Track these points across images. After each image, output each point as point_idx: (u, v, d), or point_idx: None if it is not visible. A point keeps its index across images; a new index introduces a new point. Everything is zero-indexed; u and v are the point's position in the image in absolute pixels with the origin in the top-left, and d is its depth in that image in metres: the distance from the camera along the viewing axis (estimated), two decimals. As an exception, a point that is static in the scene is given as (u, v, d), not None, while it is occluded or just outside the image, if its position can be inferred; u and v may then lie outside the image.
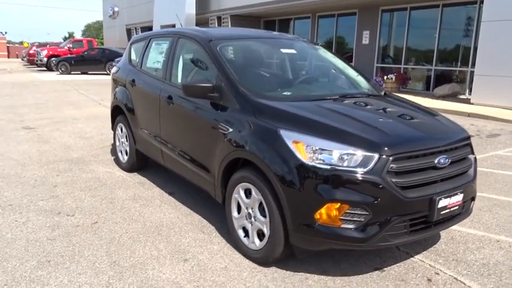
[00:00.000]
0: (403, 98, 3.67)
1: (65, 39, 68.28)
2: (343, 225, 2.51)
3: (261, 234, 2.91)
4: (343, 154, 2.51)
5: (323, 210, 2.51)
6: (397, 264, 2.99)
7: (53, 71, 23.79)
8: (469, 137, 2.98)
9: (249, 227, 2.99)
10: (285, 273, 2.85)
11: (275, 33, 4.53)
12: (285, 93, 3.39)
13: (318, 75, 3.92)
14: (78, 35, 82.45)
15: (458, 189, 2.73)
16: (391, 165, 2.49)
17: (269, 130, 2.78)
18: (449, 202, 2.67)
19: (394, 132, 2.69)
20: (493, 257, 3.13)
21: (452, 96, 12.48)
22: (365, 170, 2.47)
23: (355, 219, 2.50)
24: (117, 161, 5.34)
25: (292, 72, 3.84)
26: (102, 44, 36.80)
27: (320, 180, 2.50)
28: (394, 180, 2.49)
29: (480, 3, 12.12)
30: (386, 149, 2.51)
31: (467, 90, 12.77)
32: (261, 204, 2.84)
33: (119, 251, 3.13)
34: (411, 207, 2.53)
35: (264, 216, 2.82)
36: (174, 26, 24.31)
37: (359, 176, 2.47)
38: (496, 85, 10.16)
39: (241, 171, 2.99)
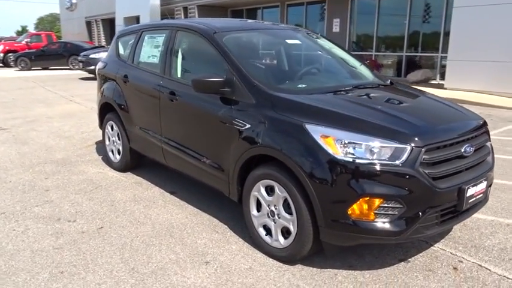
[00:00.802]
0: (411, 86, 3.66)
1: (18, 33, 65.03)
2: (377, 219, 2.47)
3: (285, 232, 2.83)
4: (375, 147, 2.46)
5: (356, 205, 2.46)
6: (420, 254, 3.00)
7: (11, 67, 22.63)
8: (486, 124, 3.00)
9: (271, 225, 2.91)
10: (313, 271, 2.79)
11: (274, 23, 4.40)
12: (299, 85, 3.31)
13: (326, 66, 3.85)
14: (30, 29, 78.72)
15: (482, 177, 2.74)
16: (424, 157, 2.46)
17: (293, 125, 2.69)
18: (475, 190, 2.68)
19: (421, 123, 2.66)
20: (508, 241, 3.19)
21: (425, 82, 12.77)
22: (398, 162, 2.43)
23: (389, 212, 2.46)
24: (107, 160, 5.10)
25: (302, 64, 3.76)
26: (60, 38, 35.29)
27: (353, 175, 2.44)
28: (426, 171, 2.46)
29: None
30: (418, 140, 2.48)
31: (438, 76, 13.11)
32: (285, 201, 2.76)
33: (134, 256, 2.98)
34: (443, 198, 2.52)
35: (290, 214, 2.74)
36: (138, 18, 23.72)
37: (392, 169, 2.43)
38: (469, 70, 10.45)
39: (261, 168, 2.89)
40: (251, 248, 3.08)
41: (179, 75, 3.76)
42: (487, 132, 3.00)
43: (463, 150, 2.65)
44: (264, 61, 3.57)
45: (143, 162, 4.83)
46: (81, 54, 15.81)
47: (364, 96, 3.14)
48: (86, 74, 16.09)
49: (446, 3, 12.55)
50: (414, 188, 2.43)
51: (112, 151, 4.88)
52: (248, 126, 2.94)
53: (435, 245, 3.13)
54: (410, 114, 2.79)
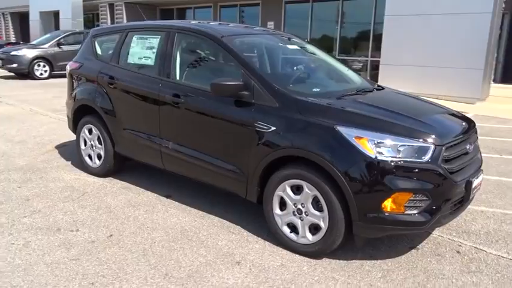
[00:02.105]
0: (398, 90, 4.01)
1: None
2: (406, 212, 2.73)
3: (312, 228, 2.98)
4: (405, 146, 2.71)
5: (390, 200, 2.69)
6: (425, 242, 3.33)
7: None
8: (475, 125, 3.42)
9: (297, 222, 3.04)
10: (340, 263, 2.98)
11: (268, 29, 4.51)
12: (314, 89, 3.47)
13: (326, 71, 4.05)
14: None
15: (480, 171, 3.13)
16: (444, 154, 2.77)
17: (324, 127, 2.85)
18: (477, 182, 3.06)
19: (436, 124, 2.98)
20: (488, 226, 3.65)
21: (357, 84, 13.62)
22: (425, 159, 2.71)
23: (417, 205, 2.73)
24: (82, 166, 4.84)
25: (305, 69, 3.92)
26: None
27: (386, 172, 2.67)
28: (446, 167, 2.77)
29: (376, -1, 13.39)
30: (439, 139, 2.78)
31: (368, 78, 14.07)
32: (314, 199, 2.91)
33: (162, 262, 2.94)
34: (458, 190, 2.85)
35: (320, 211, 2.90)
36: (57, 13, 22.23)
37: (420, 166, 2.70)
38: (398, 73, 11.40)
39: (289, 169, 3.01)
40: (274, 246, 3.19)
41: (183, 78, 3.73)
42: (476, 132, 3.42)
43: (467, 147, 3.01)
44: (274, 66, 3.67)
45: (124, 166, 4.67)
46: (0, 50, 14.52)
47: (375, 99, 3.40)
48: (5, 73, 14.78)
49: (374, 11, 13.52)
50: (438, 182, 2.73)
51: (90, 156, 4.65)
52: (273, 128, 3.04)
53: (433, 233, 3.48)
54: (423, 116, 3.10)
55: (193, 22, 4.05)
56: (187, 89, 3.60)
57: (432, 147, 2.74)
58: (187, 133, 3.63)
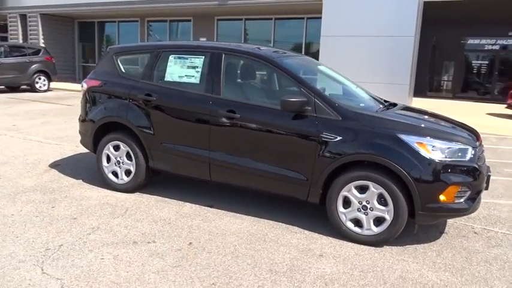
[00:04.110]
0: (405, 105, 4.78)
1: None
2: (456, 201, 3.44)
3: (376, 221, 3.56)
4: (453, 149, 3.44)
5: (445, 192, 3.38)
6: (447, 227, 4.08)
7: None
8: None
9: (362, 217, 3.59)
10: (399, 248, 3.59)
11: (286, 51, 4.99)
12: (360, 104, 4.06)
13: (352, 89, 4.66)
14: None
15: (488, 168, 3.99)
16: (477, 154, 3.55)
17: (386, 135, 3.46)
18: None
19: (465, 131, 3.77)
20: (482, 212, 4.54)
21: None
22: (467, 159, 3.46)
23: (462, 195, 3.46)
24: (99, 183, 4.84)
25: (337, 87, 4.48)
26: None
27: (443, 170, 3.36)
28: (478, 164, 3.55)
29: (307, 18, 14.58)
30: (473, 143, 3.56)
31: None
32: (379, 195, 3.49)
33: (257, 260, 3.26)
34: (484, 182, 3.65)
35: (384, 205, 3.48)
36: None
37: (464, 164, 3.44)
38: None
39: (353, 172, 3.55)
40: (337, 240, 3.68)
41: (237, 95, 4.08)
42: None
43: (482, 149, 3.84)
44: (321, 84, 4.18)
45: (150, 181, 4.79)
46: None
47: (408, 112, 4.11)
48: None
49: (305, 31, 14.70)
50: (475, 176, 3.48)
51: (115, 172, 4.70)
52: (340, 138, 3.57)
53: (449, 220, 4.25)
54: (451, 125, 3.87)
55: (234, 44, 4.42)
56: (243, 105, 3.96)
57: (470, 148, 3.50)
58: (244, 146, 3.97)
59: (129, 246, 3.42)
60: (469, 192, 3.48)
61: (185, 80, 4.32)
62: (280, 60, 4.01)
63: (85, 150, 6.49)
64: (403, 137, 3.43)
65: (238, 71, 4.24)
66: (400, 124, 3.60)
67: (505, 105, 12.86)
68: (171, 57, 4.44)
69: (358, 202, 3.58)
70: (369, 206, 3.54)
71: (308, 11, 14.20)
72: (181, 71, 4.36)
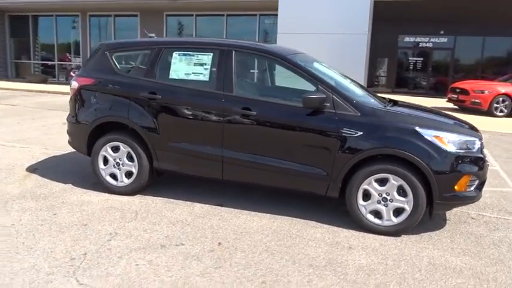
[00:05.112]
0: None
1: None
2: (467, 190, 3.71)
3: (395, 212, 3.73)
4: (465, 141, 3.69)
5: (459, 182, 3.63)
6: (448, 215, 4.37)
7: None
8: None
9: (382, 209, 3.74)
10: (416, 237, 3.79)
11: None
12: (371, 101, 4.19)
13: (353, 86, 4.75)
14: None
15: (485, 159, 4.32)
16: (482, 146, 3.85)
17: (406, 130, 3.64)
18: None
19: (468, 125, 4.05)
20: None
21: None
22: (475, 150, 3.73)
23: (472, 184, 3.73)
24: (92, 186, 4.60)
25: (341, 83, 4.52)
26: None
27: (457, 161, 3.61)
28: (484, 154, 3.85)
29: (260, 15, 14.70)
30: (479, 135, 3.85)
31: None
32: (399, 187, 3.67)
33: (294, 256, 3.29)
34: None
35: (404, 197, 3.67)
36: None
37: (473, 155, 3.71)
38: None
39: (373, 165, 3.69)
40: (358, 232, 3.81)
41: (252, 92, 4.06)
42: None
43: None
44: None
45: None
46: None
47: (414, 108, 4.32)
48: None
49: (258, 28, 14.81)
50: (482, 166, 3.77)
51: (113, 175, 4.48)
52: (360, 133, 3.69)
53: (445, 208, 4.55)
54: (455, 119, 4.14)
55: (242, 41, 4.37)
56: (259, 103, 3.95)
57: (477, 140, 3.78)
58: (261, 143, 3.96)
59: (159, 250, 3.30)
60: (477, 181, 3.75)
61: (193, 77, 4.22)
62: (293, 57, 4.05)
63: (59, 152, 6.15)
64: (422, 131, 3.62)
65: (250, 68, 4.22)
66: (417, 119, 3.80)
67: (446, 99, 13.87)
68: (174, 54, 4.31)
69: (378, 194, 3.72)
70: (388, 197, 3.70)
71: (261, 8, 14.32)
72: (188, 68, 4.25)
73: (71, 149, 6.18)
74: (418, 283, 3.00)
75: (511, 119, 11.96)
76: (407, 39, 20.11)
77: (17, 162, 5.58)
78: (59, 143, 6.77)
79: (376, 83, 20.20)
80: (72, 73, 18.35)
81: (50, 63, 20.34)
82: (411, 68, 20.51)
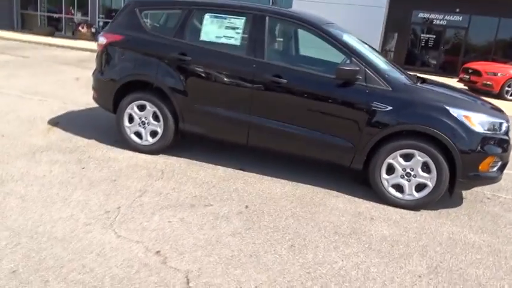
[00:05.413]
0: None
1: None
2: (490, 170, 3.79)
3: (417, 187, 3.82)
4: (493, 122, 3.74)
5: (484, 162, 3.70)
6: (464, 194, 4.46)
7: None
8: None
9: (404, 184, 3.83)
10: (435, 212, 3.90)
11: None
12: (401, 75, 4.19)
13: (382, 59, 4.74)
14: None
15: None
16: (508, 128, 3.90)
17: (436, 108, 3.68)
18: (509, 149, 4.30)
19: (495, 106, 4.09)
20: (485, 179, 5.00)
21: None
22: (502, 132, 3.79)
23: (495, 165, 3.81)
24: (114, 143, 4.67)
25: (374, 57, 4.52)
26: None
27: (484, 142, 3.67)
28: (509, 137, 3.91)
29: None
30: (507, 117, 3.89)
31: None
32: (423, 164, 3.74)
33: (318, 224, 3.40)
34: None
35: (428, 173, 3.75)
36: None
37: (499, 136, 3.77)
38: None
39: (400, 140, 3.75)
40: (379, 204, 3.90)
41: (283, 60, 4.06)
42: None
43: (506, 123, 4.22)
44: None
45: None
46: None
47: (443, 86, 4.34)
48: None
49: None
50: (506, 148, 3.84)
51: (138, 133, 4.53)
52: (390, 108, 3.73)
53: (461, 186, 4.64)
54: (480, 100, 4.17)
55: (277, 7, 4.33)
56: (290, 71, 3.97)
57: (505, 122, 3.83)
58: (289, 111, 4.00)
59: (190, 209, 3.39)
60: (500, 163, 3.83)
61: (224, 40, 4.20)
62: (328, 27, 4.03)
63: (77, 107, 6.19)
64: (452, 110, 3.66)
65: (282, 35, 4.20)
66: (447, 97, 3.84)
67: (457, 79, 13.82)
68: (206, 16, 4.28)
69: (402, 169, 3.80)
70: (412, 173, 3.78)
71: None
72: (219, 31, 4.22)
73: (88, 105, 6.27)
74: (440, 256, 3.12)
75: (521, 104, 11.96)
76: (421, 14, 19.79)
77: (38, 115, 5.62)
78: (76, 99, 6.79)
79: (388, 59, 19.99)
80: (80, 27, 18.08)
81: (57, 15, 19.99)
82: (423, 45, 20.28)
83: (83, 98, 6.82)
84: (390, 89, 3.77)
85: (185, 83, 4.24)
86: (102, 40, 4.57)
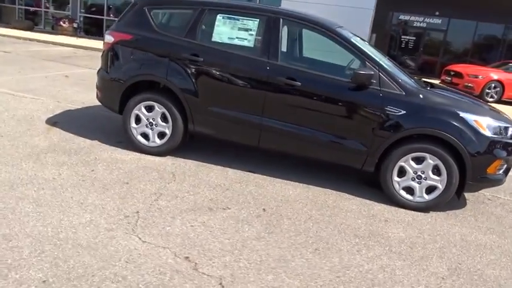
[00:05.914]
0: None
1: None
2: (497, 173, 3.91)
3: (427, 189, 3.91)
4: (501, 127, 3.87)
5: (492, 165, 3.82)
6: (467, 196, 4.59)
7: None
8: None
9: (415, 186, 3.91)
10: (444, 214, 4.00)
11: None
12: (412, 80, 4.26)
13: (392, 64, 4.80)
14: None
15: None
16: (511, 133, 4.04)
17: (449, 112, 3.77)
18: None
19: (498, 112, 4.22)
20: (483, 180, 5.16)
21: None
22: (508, 136, 3.92)
23: (501, 168, 3.94)
24: (118, 144, 4.60)
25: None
26: None
27: (493, 146, 3.79)
28: (511, 141, 4.05)
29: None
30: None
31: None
32: (434, 166, 3.83)
33: (338, 227, 3.44)
34: (512, 157, 4.17)
35: (438, 176, 3.84)
36: None
37: (506, 140, 3.89)
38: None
39: (412, 144, 3.83)
40: (390, 206, 3.98)
41: (297, 63, 4.06)
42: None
43: (509, 127, 4.36)
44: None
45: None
46: None
47: (450, 92, 4.44)
48: None
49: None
50: (510, 152, 3.97)
51: (143, 134, 4.46)
52: (404, 112, 3.80)
53: (463, 188, 4.78)
54: (487, 105, 4.29)
55: (290, 9, 4.32)
56: (304, 74, 3.98)
57: (510, 127, 3.96)
58: (302, 114, 4.02)
59: (209, 213, 3.37)
60: (505, 166, 3.96)
61: (237, 42, 4.18)
62: (340, 30, 4.06)
63: (72, 106, 6.04)
64: (463, 114, 3.76)
65: (296, 38, 4.21)
66: (458, 102, 3.94)
67: (439, 81, 14.14)
68: (219, 17, 4.24)
69: (413, 172, 3.88)
70: (423, 175, 3.86)
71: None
72: (232, 32, 4.20)
73: (83, 104, 6.14)
74: (457, 257, 3.20)
75: (499, 105, 12.35)
76: (401, 17, 20.17)
77: (34, 114, 5.46)
78: (70, 97, 6.63)
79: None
80: (61, 22, 17.61)
81: (35, 9, 19.40)
82: (403, 46, 20.66)
83: (78, 96, 6.67)
84: (404, 93, 3.84)
85: (196, 84, 4.20)
86: (110, 38, 4.47)
